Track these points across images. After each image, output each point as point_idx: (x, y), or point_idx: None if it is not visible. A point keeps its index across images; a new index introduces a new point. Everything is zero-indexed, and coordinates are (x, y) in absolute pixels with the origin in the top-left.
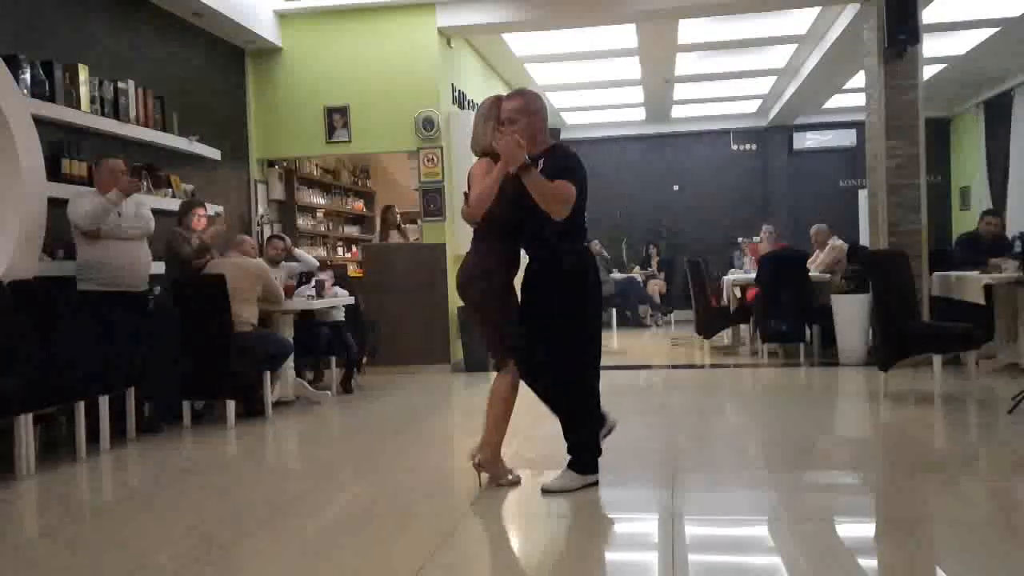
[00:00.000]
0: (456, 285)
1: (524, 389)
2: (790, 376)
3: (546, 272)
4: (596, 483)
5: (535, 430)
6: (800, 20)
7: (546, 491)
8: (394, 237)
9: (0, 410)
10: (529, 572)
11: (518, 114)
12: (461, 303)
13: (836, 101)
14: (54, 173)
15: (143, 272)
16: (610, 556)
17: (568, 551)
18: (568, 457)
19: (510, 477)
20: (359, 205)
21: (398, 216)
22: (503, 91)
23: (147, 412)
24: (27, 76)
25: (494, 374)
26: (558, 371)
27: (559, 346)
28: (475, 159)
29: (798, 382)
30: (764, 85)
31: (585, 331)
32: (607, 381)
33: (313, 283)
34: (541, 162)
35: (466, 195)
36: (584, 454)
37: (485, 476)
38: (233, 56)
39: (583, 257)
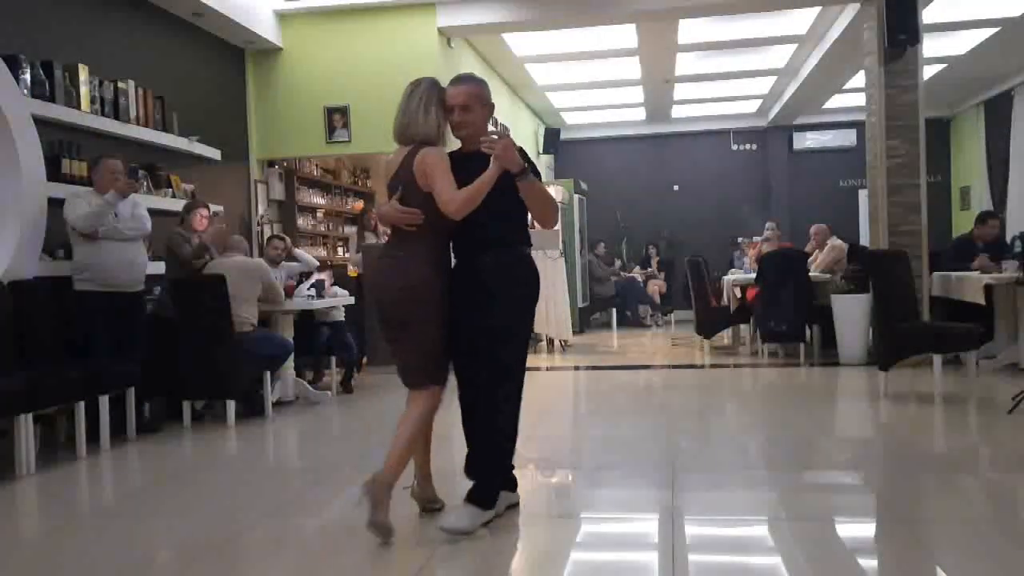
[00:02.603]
0: (387, 294)
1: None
2: (790, 376)
3: (498, 274)
4: (490, 521)
5: (535, 430)
6: (800, 20)
7: (444, 530)
8: (369, 239)
9: (0, 410)
10: (529, 572)
11: (473, 101)
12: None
13: (836, 101)
14: (54, 173)
15: (140, 272)
16: (610, 556)
17: (568, 551)
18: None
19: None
20: (359, 205)
21: (373, 219)
22: (504, 91)
23: (147, 412)
24: (27, 76)
25: None
26: (498, 387)
27: (497, 352)
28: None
29: (798, 382)
30: (764, 85)
31: (524, 339)
32: (608, 380)
33: (312, 281)
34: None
35: (394, 187)
36: (493, 485)
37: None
38: (233, 56)
39: (531, 261)
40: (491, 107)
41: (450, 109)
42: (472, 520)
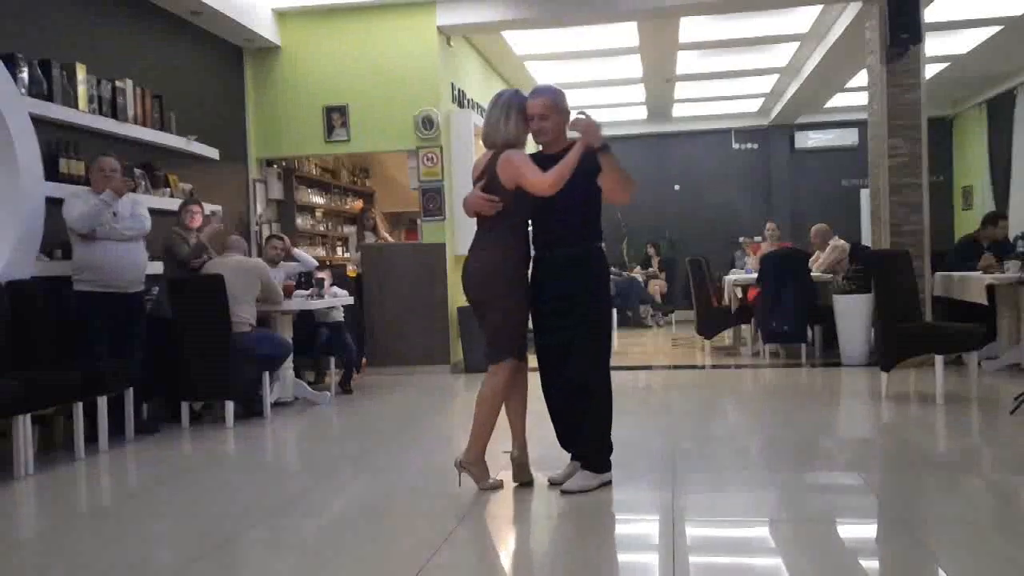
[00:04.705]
0: (467, 277)
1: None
2: (791, 376)
3: (572, 268)
4: (610, 482)
5: (536, 430)
6: (802, 19)
7: (565, 492)
8: (369, 239)
9: None
10: (529, 573)
11: (550, 111)
12: (462, 302)
13: (838, 100)
14: (52, 173)
15: (139, 272)
16: (611, 557)
17: (568, 552)
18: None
19: (491, 481)
20: (358, 204)
21: (374, 219)
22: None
23: (145, 413)
24: (25, 75)
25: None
26: (582, 368)
27: (583, 343)
28: (478, 152)
29: (799, 382)
30: (766, 84)
31: (607, 328)
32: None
33: (312, 282)
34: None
35: (479, 184)
36: (601, 453)
37: (466, 476)
38: (232, 55)
39: (603, 254)
40: (567, 114)
41: (530, 118)
42: (587, 481)
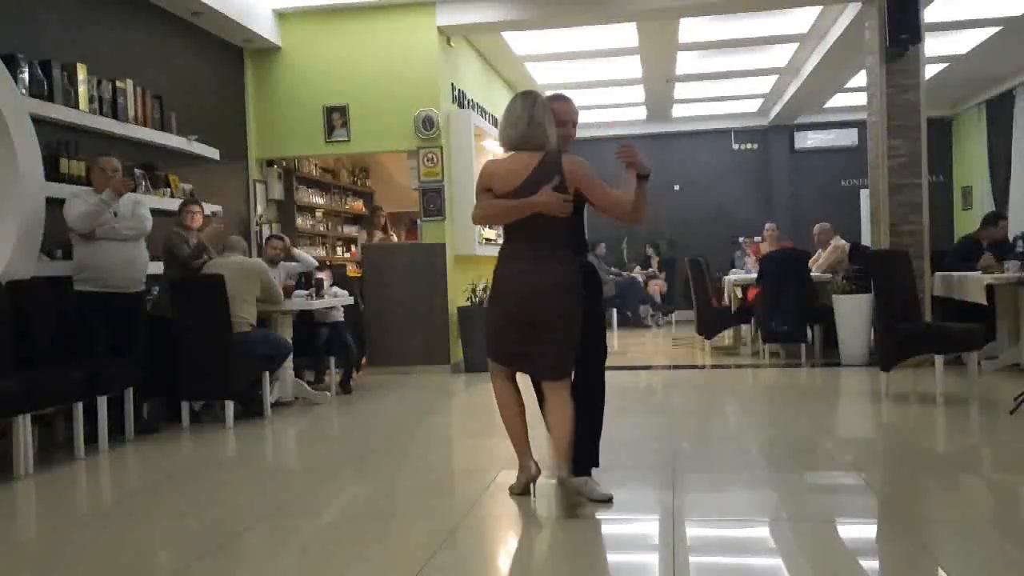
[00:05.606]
0: (534, 291)
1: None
2: (791, 376)
3: (585, 279)
4: None
5: (534, 431)
6: (801, 19)
7: (609, 500)
8: (378, 238)
9: None
10: (529, 573)
11: (577, 118)
12: (462, 302)
13: (837, 100)
14: (52, 173)
15: (139, 272)
16: (611, 557)
17: (569, 552)
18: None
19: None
20: (358, 205)
21: (383, 218)
22: (503, 90)
23: (145, 413)
24: (25, 75)
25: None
26: (592, 370)
27: (594, 350)
28: (499, 154)
29: (799, 382)
30: (765, 84)
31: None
32: (609, 381)
33: (312, 282)
34: None
35: (531, 187)
36: (596, 455)
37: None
38: (232, 55)
39: (593, 266)
40: None
41: (563, 123)
42: (598, 485)
